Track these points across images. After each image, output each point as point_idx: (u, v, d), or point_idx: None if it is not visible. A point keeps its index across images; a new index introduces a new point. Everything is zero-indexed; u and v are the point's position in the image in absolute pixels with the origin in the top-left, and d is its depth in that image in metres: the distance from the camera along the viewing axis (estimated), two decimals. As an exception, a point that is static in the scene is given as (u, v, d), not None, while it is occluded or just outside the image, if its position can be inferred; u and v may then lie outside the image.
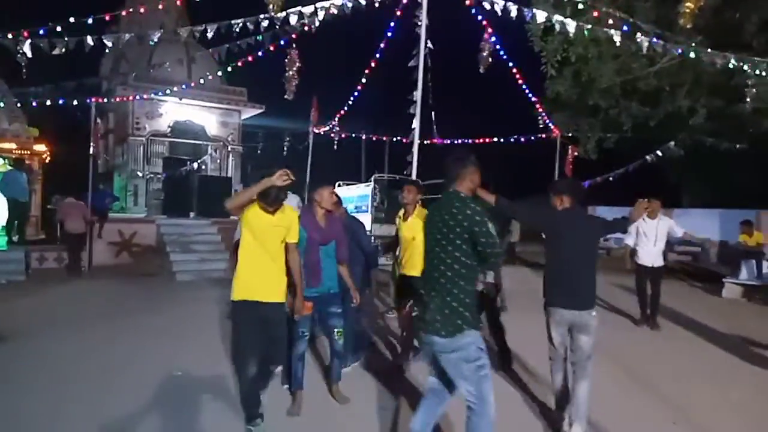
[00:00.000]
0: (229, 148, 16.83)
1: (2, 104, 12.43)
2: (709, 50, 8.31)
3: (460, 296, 2.81)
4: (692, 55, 8.21)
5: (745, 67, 8.18)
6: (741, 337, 6.92)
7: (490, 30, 8.85)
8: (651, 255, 7.23)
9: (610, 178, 14.39)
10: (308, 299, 3.85)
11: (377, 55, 8.95)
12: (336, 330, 4.09)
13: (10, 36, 7.04)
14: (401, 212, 5.17)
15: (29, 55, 7.07)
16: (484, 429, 2.83)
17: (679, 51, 8.19)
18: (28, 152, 13.75)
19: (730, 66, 8.26)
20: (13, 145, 13.44)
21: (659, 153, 13.49)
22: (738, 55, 8.22)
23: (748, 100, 8.99)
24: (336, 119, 13.64)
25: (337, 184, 15.86)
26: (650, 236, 7.20)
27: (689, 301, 9.48)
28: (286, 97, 9.87)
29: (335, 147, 15.43)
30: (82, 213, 11.07)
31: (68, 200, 11.29)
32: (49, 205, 13.44)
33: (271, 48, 8.73)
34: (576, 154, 14.72)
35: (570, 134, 14.82)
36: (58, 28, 7.15)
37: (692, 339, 6.89)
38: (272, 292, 3.56)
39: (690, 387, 4.94)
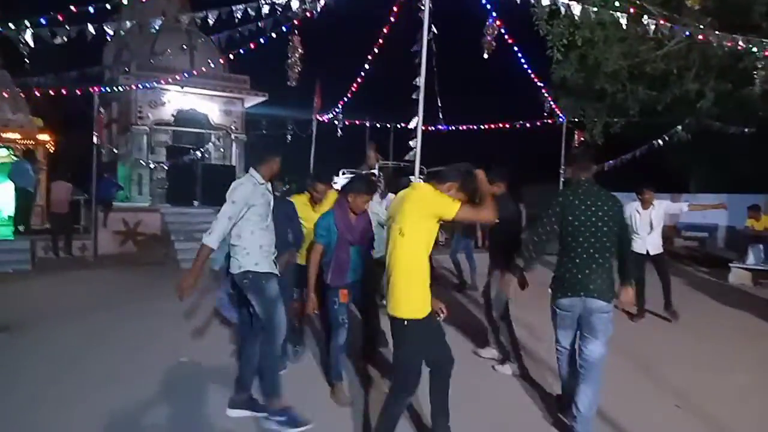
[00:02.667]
0: (233, 137, 16.77)
1: (6, 94, 12.43)
2: (717, 32, 8.16)
3: (612, 271, 3.58)
4: (700, 37, 8.07)
5: (754, 50, 8.04)
6: (747, 322, 6.89)
7: (494, 14, 8.73)
8: (645, 242, 6.90)
9: (617, 164, 14.26)
10: (343, 287, 3.98)
11: (380, 41, 8.85)
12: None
13: (11, 26, 6.99)
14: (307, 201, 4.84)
15: (31, 44, 7.02)
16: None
17: (687, 33, 8.06)
18: (33, 142, 13.78)
19: (739, 48, 8.12)
20: (17, 135, 13.47)
21: (666, 137, 13.34)
22: (747, 37, 8.07)
23: (756, 83, 8.86)
24: (339, 106, 13.55)
25: (341, 172, 15.84)
26: (643, 226, 6.90)
27: (696, 287, 9.45)
28: (289, 84, 9.79)
29: (339, 134, 15.35)
30: (67, 194, 11.34)
31: (56, 183, 11.58)
32: None
33: (273, 35, 8.65)
34: (582, 139, 14.58)
35: (576, 119, 14.68)
36: (60, 17, 7.10)
37: (698, 324, 6.86)
38: None
39: (694, 371, 4.93)
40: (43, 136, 14.10)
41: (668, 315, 6.88)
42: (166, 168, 15.50)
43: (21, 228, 11.42)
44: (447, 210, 2.96)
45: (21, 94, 12.86)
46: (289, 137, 19.81)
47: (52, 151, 14.80)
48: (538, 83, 12.20)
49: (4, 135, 13.16)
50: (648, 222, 6.89)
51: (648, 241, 6.93)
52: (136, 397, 4.04)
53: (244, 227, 3.66)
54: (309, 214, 4.61)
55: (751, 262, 9.94)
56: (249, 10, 7.24)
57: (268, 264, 3.71)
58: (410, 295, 3.03)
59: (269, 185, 3.87)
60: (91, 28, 7.11)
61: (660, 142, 13.43)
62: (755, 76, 8.72)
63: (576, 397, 3.47)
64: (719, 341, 6.07)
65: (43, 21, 7.01)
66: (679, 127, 13.08)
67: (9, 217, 13.17)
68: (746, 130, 13.81)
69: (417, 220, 3.00)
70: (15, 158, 12.88)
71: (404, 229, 2.99)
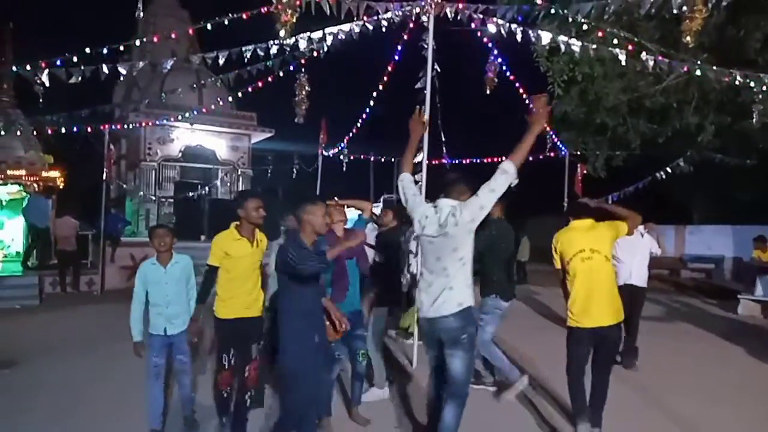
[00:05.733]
0: (239, 172, 17.00)
1: (19, 132, 12.70)
2: (714, 67, 8.33)
3: None
4: (698, 72, 8.24)
5: (751, 84, 8.19)
6: (759, 354, 6.82)
7: (495, 52, 8.96)
8: (626, 272, 6.13)
9: (620, 196, 14.32)
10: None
11: (385, 78, 9.07)
12: (360, 352, 4.14)
13: (28, 67, 7.22)
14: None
15: (47, 84, 7.23)
16: None
17: (685, 69, 8.23)
18: (43, 179, 13.98)
19: (736, 82, 8.27)
20: (28, 172, 13.67)
21: (668, 170, 13.44)
22: (743, 71, 8.23)
23: (755, 115, 8.98)
24: (345, 141, 13.77)
25: (333, 198, 15.90)
26: (625, 252, 6.08)
27: (705, 318, 9.38)
28: (296, 121, 9.98)
29: (344, 168, 15.55)
30: (73, 230, 11.42)
31: (63, 218, 11.69)
32: None
33: (281, 73, 8.87)
34: (585, 172, 14.71)
35: (578, 153, 14.83)
36: (74, 59, 7.33)
37: (710, 355, 6.80)
38: None
39: (704, 404, 4.88)
40: (53, 173, 14.31)
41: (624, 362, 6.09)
42: (173, 203, 15.68)
43: (30, 264, 11.50)
44: (623, 229, 4.05)
45: (34, 132, 13.13)
46: (294, 172, 20.06)
47: (61, 188, 15.00)
48: (540, 118, 12.37)
49: (15, 172, 13.35)
50: (632, 249, 6.10)
51: (633, 270, 6.19)
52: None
53: (469, 254, 3.29)
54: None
55: (759, 294, 9.88)
56: (258, 50, 7.45)
57: None
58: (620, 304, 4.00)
59: None
60: (105, 68, 7.32)
61: (662, 174, 13.52)
62: (753, 109, 8.84)
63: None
64: (731, 373, 6.01)
65: (58, 62, 7.24)
66: (681, 160, 13.19)
67: (17, 253, 13.26)
68: (747, 161, 13.92)
69: (612, 245, 4.05)
70: (27, 194, 13.03)
71: (608, 255, 3.98)
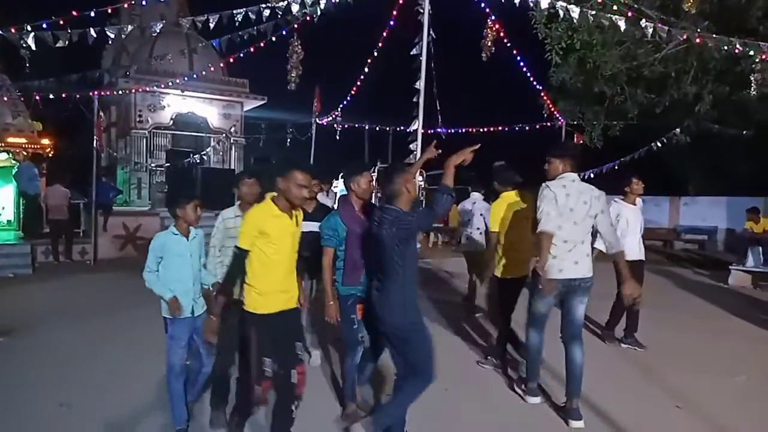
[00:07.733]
0: (232, 140, 16.81)
1: (6, 98, 12.45)
2: (714, 35, 8.20)
3: None
4: (697, 40, 8.11)
5: (751, 53, 8.07)
6: (748, 324, 6.90)
7: (493, 17, 8.78)
8: (636, 246, 5.73)
9: (616, 167, 14.29)
10: (360, 299, 3.56)
11: (379, 44, 8.88)
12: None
13: (13, 30, 7.01)
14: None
15: (33, 48, 7.04)
16: None
17: (684, 37, 8.10)
18: (32, 146, 13.77)
19: (736, 52, 8.15)
20: (16, 140, 13.45)
21: (665, 140, 13.39)
22: (744, 40, 8.10)
23: (753, 85, 8.89)
24: (339, 109, 13.59)
25: (340, 174, 15.80)
26: (635, 224, 5.75)
27: (696, 289, 9.47)
28: (288, 88, 9.81)
29: (338, 137, 15.40)
30: (64, 199, 11.43)
31: (53, 187, 11.59)
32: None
33: (273, 38, 8.68)
34: (581, 142, 14.61)
35: (575, 122, 14.70)
36: (61, 22, 7.13)
37: (699, 326, 6.87)
38: None
39: (695, 373, 4.94)
40: (42, 140, 14.09)
41: (629, 343, 5.75)
42: (165, 172, 15.53)
43: (20, 234, 11.44)
44: None
45: (21, 98, 12.87)
46: (288, 140, 19.87)
47: (50, 156, 14.80)
48: (537, 86, 12.25)
49: (3, 139, 13.14)
50: (639, 220, 5.82)
51: (637, 244, 5.77)
52: (132, 402, 4.03)
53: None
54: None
55: (750, 265, 9.96)
56: (249, 14, 7.26)
57: None
58: None
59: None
60: (92, 31, 7.13)
61: (659, 144, 13.47)
62: (752, 79, 8.75)
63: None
64: (720, 343, 6.08)
65: (45, 25, 7.03)
66: (678, 130, 13.12)
67: (8, 221, 13.15)
68: (744, 133, 13.87)
69: None
70: (16, 162, 12.85)
71: None
